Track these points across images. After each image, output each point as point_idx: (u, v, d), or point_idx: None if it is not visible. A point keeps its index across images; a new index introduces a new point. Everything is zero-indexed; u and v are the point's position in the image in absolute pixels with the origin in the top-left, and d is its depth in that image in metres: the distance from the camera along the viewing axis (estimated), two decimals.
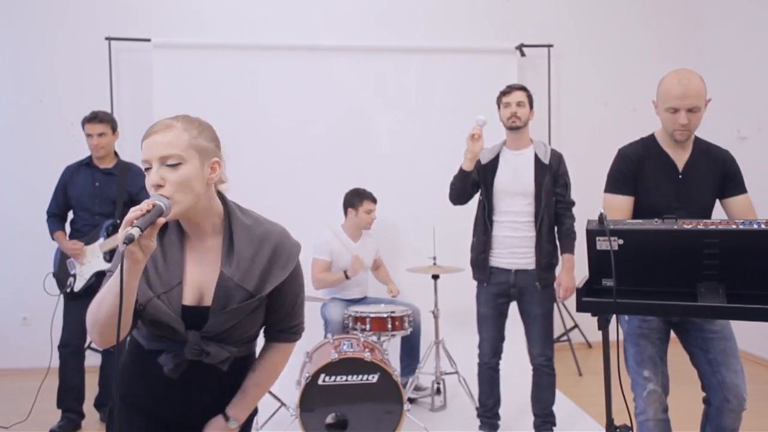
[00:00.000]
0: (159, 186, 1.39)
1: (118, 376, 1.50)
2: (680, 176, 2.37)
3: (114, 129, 3.63)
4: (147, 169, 1.42)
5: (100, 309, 1.38)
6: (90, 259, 3.52)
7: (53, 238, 3.60)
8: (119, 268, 1.29)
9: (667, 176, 2.37)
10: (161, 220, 1.32)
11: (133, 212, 1.28)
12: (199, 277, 1.51)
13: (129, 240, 1.23)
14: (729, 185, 2.39)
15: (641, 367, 2.37)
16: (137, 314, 1.46)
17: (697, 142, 2.43)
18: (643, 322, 2.39)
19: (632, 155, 2.42)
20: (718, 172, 2.38)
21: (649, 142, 2.44)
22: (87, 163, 3.62)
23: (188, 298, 1.50)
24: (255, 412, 1.72)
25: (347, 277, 4.02)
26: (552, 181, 3.14)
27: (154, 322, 1.48)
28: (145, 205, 1.30)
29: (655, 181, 2.37)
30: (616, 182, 2.43)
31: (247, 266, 1.50)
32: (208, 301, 1.50)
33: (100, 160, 3.61)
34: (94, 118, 3.55)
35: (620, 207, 2.38)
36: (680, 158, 2.39)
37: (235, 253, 1.50)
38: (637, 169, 2.40)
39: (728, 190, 2.40)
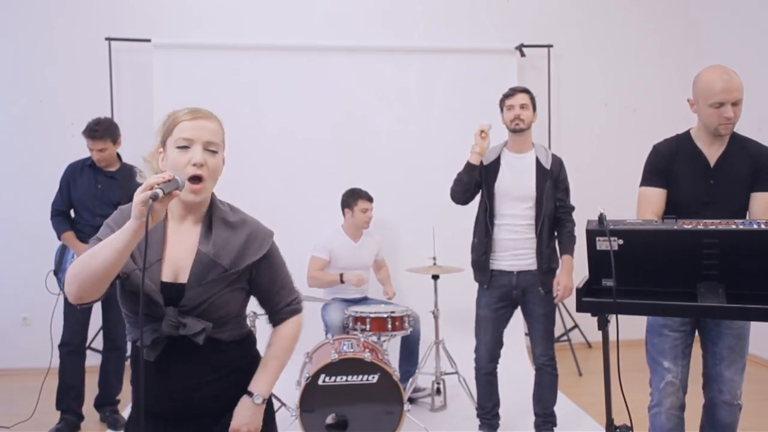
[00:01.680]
0: (201, 165, 1.50)
1: (142, 386, 1.51)
2: (712, 171, 2.37)
3: (114, 140, 3.59)
4: (183, 147, 1.52)
5: (91, 262, 1.40)
6: None
7: (60, 238, 3.58)
8: (122, 232, 1.36)
9: (699, 171, 2.38)
10: (177, 193, 1.41)
11: (155, 178, 1.36)
12: (178, 256, 1.57)
13: (155, 197, 1.32)
14: (756, 180, 2.37)
15: (661, 357, 2.39)
16: (122, 285, 1.54)
17: (734, 137, 2.43)
18: (664, 324, 2.40)
19: (665, 150, 2.45)
20: (750, 167, 2.37)
21: (684, 138, 2.46)
22: (90, 165, 3.61)
23: (167, 275, 1.56)
24: (271, 405, 1.73)
25: (342, 281, 4.02)
26: (553, 185, 3.13)
27: (133, 295, 1.53)
28: (166, 175, 1.39)
29: (685, 176, 2.39)
30: (648, 175, 2.46)
31: (223, 244, 1.57)
32: (184, 279, 1.55)
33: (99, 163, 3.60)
34: (94, 134, 3.48)
35: (652, 199, 2.41)
36: (714, 154, 2.40)
37: (212, 235, 1.58)
38: (669, 163, 2.42)
39: (754, 185, 2.37)
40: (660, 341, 2.40)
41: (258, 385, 1.64)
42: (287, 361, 1.72)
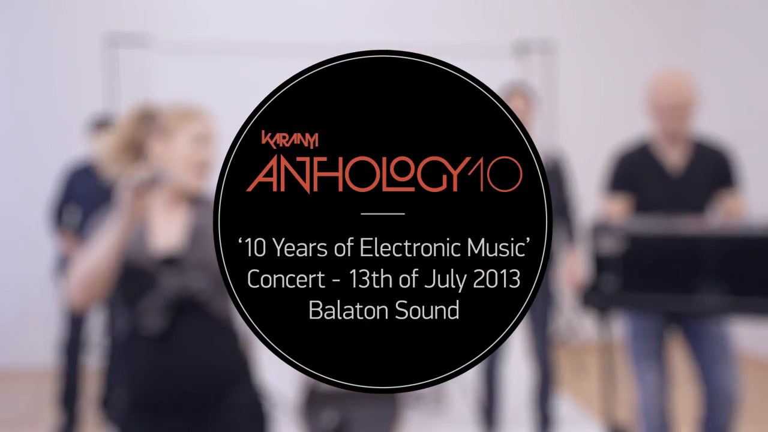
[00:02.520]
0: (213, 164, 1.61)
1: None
2: (672, 177, 2.38)
3: None
4: (199, 142, 1.60)
5: (86, 265, 1.45)
6: None
7: (55, 235, 3.60)
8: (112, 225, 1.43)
9: (659, 177, 2.39)
10: (158, 187, 1.48)
11: (138, 172, 1.43)
12: (168, 234, 1.61)
13: (137, 185, 1.40)
14: (720, 181, 2.39)
15: (642, 361, 2.39)
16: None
17: (693, 140, 2.44)
18: (643, 320, 2.40)
19: (625, 157, 2.45)
20: (712, 169, 2.39)
21: (644, 143, 2.46)
22: (90, 167, 3.62)
23: (159, 245, 1.59)
24: (263, 406, 1.71)
25: None
26: (557, 188, 3.11)
27: (129, 273, 1.55)
28: (148, 170, 1.45)
29: (647, 183, 2.39)
30: (610, 184, 2.46)
31: (210, 215, 1.62)
32: (181, 243, 1.59)
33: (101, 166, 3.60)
34: (103, 126, 3.54)
35: (616, 208, 2.40)
36: (674, 158, 2.40)
37: (202, 209, 1.64)
38: (630, 170, 2.42)
39: (719, 187, 2.40)
40: (638, 347, 2.40)
41: None
42: None
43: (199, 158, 1.59)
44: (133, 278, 1.55)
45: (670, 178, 2.38)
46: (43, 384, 3.70)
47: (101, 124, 3.56)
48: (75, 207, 3.59)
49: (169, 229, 1.62)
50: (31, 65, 4.79)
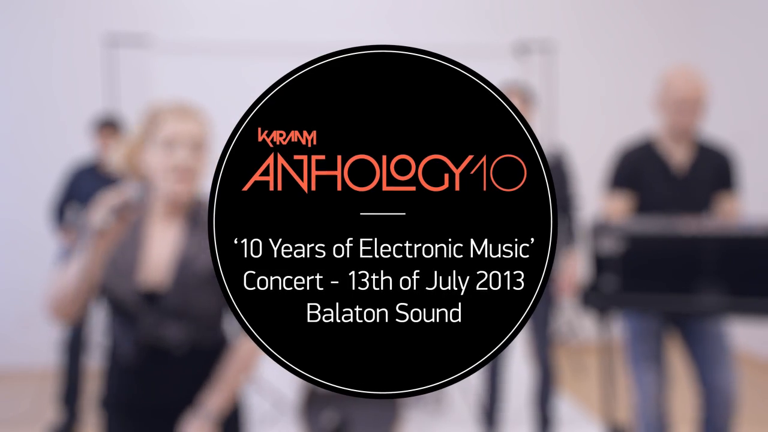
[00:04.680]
0: (186, 168, 1.48)
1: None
2: (677, 176, 2.37)
3: (120, 135, 3.65)
4: (167, 148, 1.48)
5: (59, 283, 1.41)
6: None
7: (58, 233, 3.59)
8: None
9: (664, 176, 2.37)
10: (130, 213, 1.36)
11: (110, 199, 1.32)
12: (160, 254, 1.53)
13: (100, 227, 1.31)
14: (720, 183, 2.39)
15: (640, 363, 2.38)
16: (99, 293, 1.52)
17: (698, 140, 2.43)
18: (642, 321, 2.39)
19: (629, 155, 2.43)
20: (713, 170, 2.38)
21: (648, 141, 2.44)
22: (93, 168, 3.61)
23: (146, 277, 1.51)
24: (237, 413, 1.65)
25: None
26: (560, 185, 3.09)
27: (111, 299, 1.51)
28: (120, 194, 1.35)
29: (651, 181, 2.38)
30: (612, 181, 2.44)
31: (204, 245, 1.53)
32: (164, 279, 1.51)
33: (107, 165, 3.60)
34: (108, 126, 3.55)
35: (618, 206, 2.39)
36: (679, 157, 2.39)
37: (194, 234, 1.54)
38: (633, 168, 2.40)
39: (719, 188, 2.39)
40: (636, 348, 2.39)
41: (211, 399, 1.54)
42: (247, 376, 1.62)
43: (171, 163, 1.46)
44: (115, 306, 1.51)
45: (675, 177, 2.36)
46: (44, 384, 3.70)
47: (106, 124, 3.55)
48: (78, 205, 3.58)
49: (162, 246, 1.54)
50: (30, 65, 4.78)
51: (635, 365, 2.40)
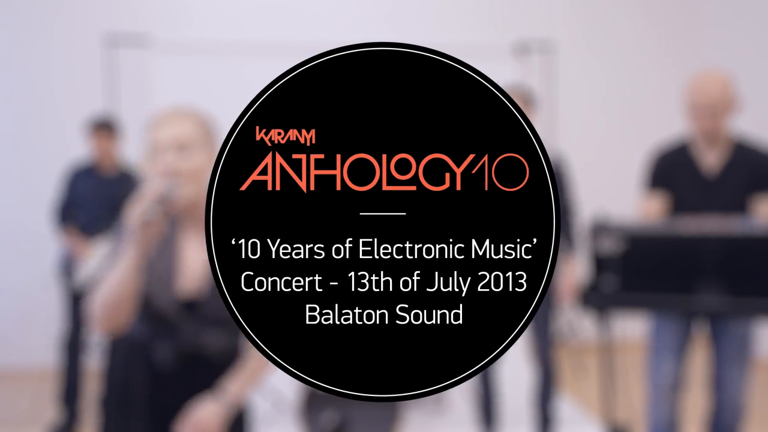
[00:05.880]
0: (172, 172, 1.46)
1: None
2: (707, 179, 2.35)
3: (118, 137, 3.65)
4: (157, 153, 1.48)
5: (105, 292, 1.40)
6: (94, 257, 3.51)
7: (60, 234, 3.58)
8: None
9: (694, 178, 2.36)
10: (172, 206, 1.40)
11: (147, 192, 1.34)
12: (195, 261, 1.54)
13: (149, 219, 1.32)
14: (757, 184, 2.33)
15: (660, 352, 2.37)
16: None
17: (734, 141, 2.40)
18: (664, 318, 2.38)
19: (664, 157, 2.44)
20: (750, 172, 2.33)
21: (682, 143, 2.44)
22: (91, 168, 3.60)
23: (183, 287, 1.52)
24: (242, 415, 1.65)
25: None
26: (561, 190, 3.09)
27: (150, 309, 1.50)
28: (156, 187, 1.37)
29: (682, 184, 2.37)
30: (647, 182, 2.45)
31: None
32: (201, 288, 1.52)
33: (103, 167, 3.60)
34: (104, 127, 3.55)
35: (651, 208, 2.38)
36: (710, 160, 2.37)
37: None
38: (666, 170, 2.40)
39: (756, 190, 2.33)
40: (656, 343, 2.38)
41: (232, 384, 1.53)
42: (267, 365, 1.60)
43: (159, 169, 1.46)
44: (154, 318, 1.51)
45: (705, 179, 2.35)
46: (44, 384, 3.69)
47: (101, 125, 3.54)
48: (77, 206, 3.58)
49: (195, 253, 1.55)
50: (30, 65, 4.77)
51: (654, 354, 2.39)
